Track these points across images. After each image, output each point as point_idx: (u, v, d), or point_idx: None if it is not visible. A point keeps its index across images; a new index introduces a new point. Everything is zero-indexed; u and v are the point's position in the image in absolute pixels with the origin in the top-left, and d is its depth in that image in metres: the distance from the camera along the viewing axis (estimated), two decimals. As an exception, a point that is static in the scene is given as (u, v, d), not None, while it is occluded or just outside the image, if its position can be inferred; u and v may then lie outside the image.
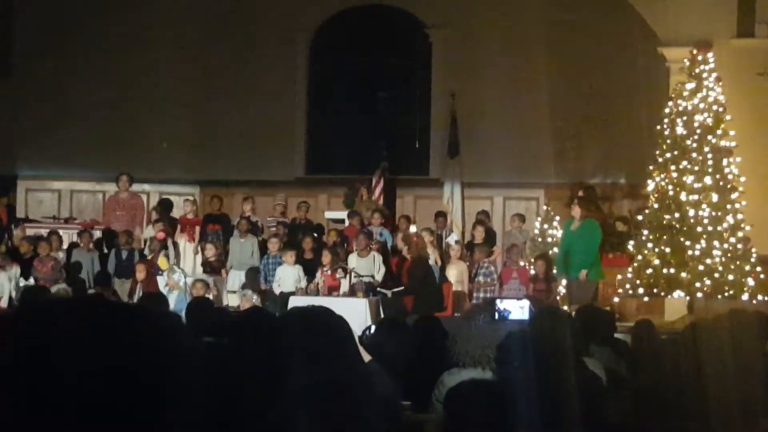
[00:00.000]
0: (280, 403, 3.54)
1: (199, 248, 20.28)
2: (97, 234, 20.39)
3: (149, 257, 19.06)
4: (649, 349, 8.84)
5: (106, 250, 19.76)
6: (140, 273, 18.03)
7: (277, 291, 18.35)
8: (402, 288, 17.98)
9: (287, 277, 18.49)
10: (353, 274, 18.13)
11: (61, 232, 20.16)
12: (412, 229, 20.16)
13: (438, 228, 20.91)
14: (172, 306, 15.41)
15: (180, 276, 17.65)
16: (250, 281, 18.84)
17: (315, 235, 20.41)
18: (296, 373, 3.52)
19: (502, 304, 7.85)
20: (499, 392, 4.63)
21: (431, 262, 18.64)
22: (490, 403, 4.56)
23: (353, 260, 18.56)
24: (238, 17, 24.74)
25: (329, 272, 18.25)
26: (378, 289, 18.07)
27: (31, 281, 17.65)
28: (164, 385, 1.88)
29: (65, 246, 19.80)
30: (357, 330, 9.43)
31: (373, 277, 18.30)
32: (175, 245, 20.03)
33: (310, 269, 18.81)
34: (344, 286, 18.17)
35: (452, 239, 20.09)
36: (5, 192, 22.35)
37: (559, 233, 19.43)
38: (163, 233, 19.60)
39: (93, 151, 24.00)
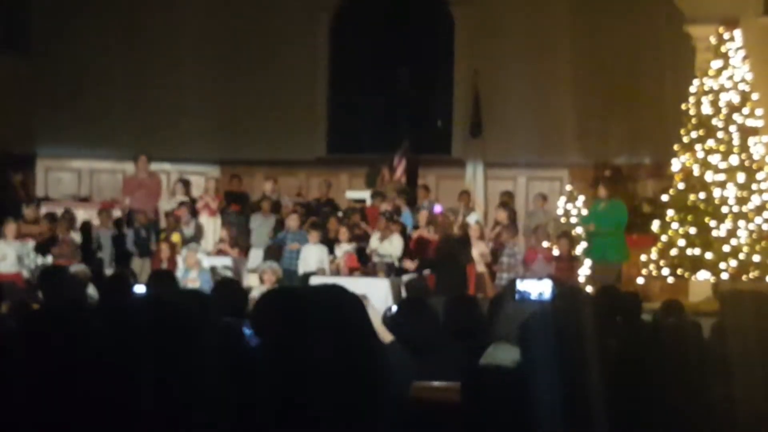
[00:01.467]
0: (298, 383, 3.46)
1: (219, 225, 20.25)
2: (116, 213, 20.37)
3: (162, 234, 19.04)
4: (675, 331, 8.69)
5: (125, 230, 19.73)
6: (164, 252, 18.07)
7: (300, 270, 18.28)
8: (427, 267, 17.89)
9: (311, 256, 18.41)
10: (374, 255, 18.07)
11: (79, 211, 20.14)
12: (437, 207, 20.02)
13: (461, 206, 20.78)
14: (197, 284, 15.41)
15: (201, 255, 17.64)
16: (269, 259, 18.76)
17: (339, 214, 20.34)
18: (311, 351, 3.42)
19: (522, 285, 7.72)
20: (517, 378, 4.51)
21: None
22: (510, 392, 4.45)
23: (374, 241, 18.50)
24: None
25: (348, 250, 18.20)
26: (399, 272, 17.99)
27: (49, 259, 17.63)
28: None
29: (79, 225, 19.76)
30: (380, 309, 9.34)
31: (394, 257, 18.23)
32: (198, 228, 19.96)
33: (334, 250, 18.76)
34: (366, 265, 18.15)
35: (473, 219, 19.95)
36: (18, 169, 22.30)
37: (584, 213, 19.26)
38: (182, 210, 19.56)
39: (113, 131, 23.93)
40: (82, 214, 20.12)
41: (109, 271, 17.83)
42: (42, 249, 18.03)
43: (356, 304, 3.65)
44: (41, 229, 18.72)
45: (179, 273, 16.96)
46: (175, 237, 18.89)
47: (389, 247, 18.36)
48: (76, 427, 3.50)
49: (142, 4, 24.39)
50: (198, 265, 17.26)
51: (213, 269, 17.76)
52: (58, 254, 17.89)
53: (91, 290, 14.33)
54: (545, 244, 18.69)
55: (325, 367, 3.37)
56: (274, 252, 19.16)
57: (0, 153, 22.49)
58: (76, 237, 19.06)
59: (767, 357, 5.82)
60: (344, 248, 18.42)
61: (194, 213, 20.08)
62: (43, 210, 20.43)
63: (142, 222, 19.40)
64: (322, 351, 3.39)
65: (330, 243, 18.90)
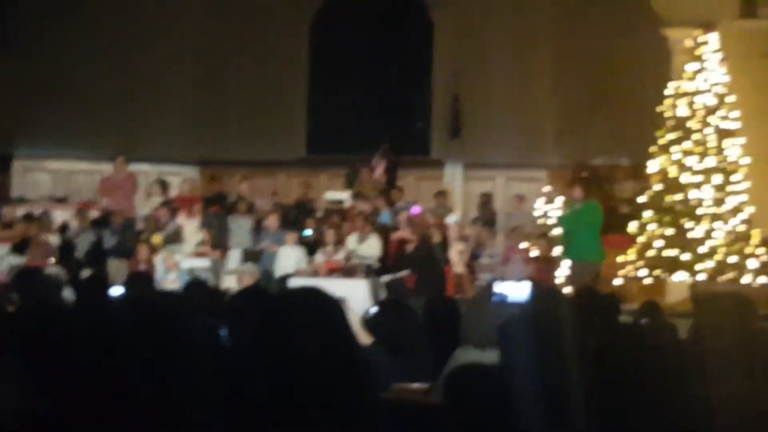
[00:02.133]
0: (274, 382, 3.47)
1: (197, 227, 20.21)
2: (93, 214, 20.29)
3: (143, 236, 18.98)
4: (653, 331, 8.74)
5: (102, 231, 19.66)
6: (142, 254, 18.01)
7: (278, 272, 18.26)
8: (403, 272, 17.89)
9: (288, 258, 18.40)
10: (353, 256, 18.07)
11: (56, 212, 20.06)
12: (415, 208, 20.04)
13: (438, 207, 20.80)
14: (177, 286, 15.35)
15: (180, 257, 17.60)
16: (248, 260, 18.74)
17: (315, 214, 20.34)
18: (290, 353, 3.44)
19: (499, 287, 7.77)
20: (498, 376, 4.54)
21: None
22: (488, 388, 4.47)
23: (352, 242, 18.50)
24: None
25: (331, 252, 18.18)
26: (378, 274, 18.00)
27: (23, 260, 17.54)
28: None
29: (56, 226, 19.68)
30: (359, 311, 9.36)
31: (372, 258, 18.24)
32: (176, 229, 19.90)
33: (312, 251, 18.73)
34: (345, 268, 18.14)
35: (452, 219, 19.98)
36: None
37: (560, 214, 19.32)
38: (162, 212, 19.53)
39: (90, 131, 23.86)
40: (59, 215, 20.03)
41: (85, 273, 17.76)
42: (18, 250, 17.94)
43: (335, 306, 3.67)
44: (17, 231, 18.60)
45: (158, 275, 16.92)
46: (156, 238, 18.84)
47: (367, 248, 18.37)
48: (55, 426, 3.51)
49: (121, 6, 24.31)
50: (177, 267, 17.23)
51: (191, 270, 17.73)
52: (34, 255, 17.80)
53: (68, 292, 14.29)
54: (523, 244, 18.74)
55: (303, 368, 3.39)
56: (253, 254, 19.13)
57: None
58: (55, 238, 18.98)
59: (743, 357, 5.87)
60: (329, 252, 18.40)
61: (173, 213, 20.03)
62: (21, 211, 20.34)
63: (119, 223, 19.33)
64: (299, 352, 3.41)
65: (308, 245, 18.89)
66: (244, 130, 24.47)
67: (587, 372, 4.99)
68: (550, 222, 20.05)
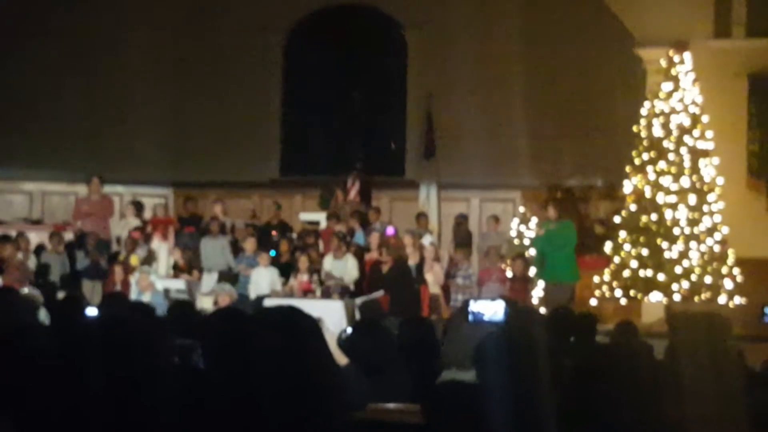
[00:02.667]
0: (249, 403, 3.44)
1: (172, 250, 20.14)
2: (68, 236, 20.18)
3: (121, 256, 18.90)
4: (628, 351, 8.73)
5: (76, 253, 19.55)
6: (117, 275, 17.97)
7: (252, 294, 18.21)
8: (377, 292, 17.85)
9: (262, 279, 18.36)
10: (327, 277, 18.03)
11: (31, 234, 19.93)
12: (389, 229, 20.03)
13: (419, 228, 20.80)
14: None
15: (155, 278, 17.53)
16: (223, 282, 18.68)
17: (291, 237, 20.31)
18: (265, 372, 3.41)
19: (475, 306, 7.72)
20: (478, 393, 4.51)
21: (410, 263, 18.51)
22: (468, 405, 4.44)
23: (328, 262, 18.47)
24: (212, 16, 24.61)
25: (305, 278, 18.15)
26: (353, 295, 17.96)
27: (-1, 282, 17.42)
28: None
29: (32, 248, 19.55)
30: (334, 332, 9.31)
31: (348, 279, 18.19)
32: (150, 251, 19.84)
33: (286, 272, 18.69)
34: (318, 291, 18.09)
35: (427, 241, 19.97)
36: None
37: (534, 234, 19.35)
38: (138, 233, 19.48)
39: (64, 153, 23.78)
40: (34, 237, 19.91)
41: (60, 295, 17.65)
42: None
43: (312, 325, 3.63)
44: None
45: (133, 295, 16.84)
46: (134, 259, 18.79)
47: (343, 268, 18.33)
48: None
49: (93, 28, 24.25)
50: (151, 288, 17.16)
51: (167, 291, 17.65)
52: (9, 278, 17.67)
53: (43, 314, 14.18)
54: (499, 265, 18.74)
55: (278, 389, 3.35)
56: (229, 276, 19.08)
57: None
58: (31, 261, 18.87)
59: (719, 378, 5.86)
60: (302, 278, 18.35)
61: (147, 236, 19.98)
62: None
63: (92, 244, 19.23)
64: (273, 374, 3.37)
65: (282, 267, 18.85)
66: (217, 151, 24.43)
67: (563, 391, 4.97)
68: (525, 242, 20.09)
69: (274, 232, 20.56)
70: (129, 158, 23.68)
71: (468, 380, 5.82)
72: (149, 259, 19.38)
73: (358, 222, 20.35)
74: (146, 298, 16.82)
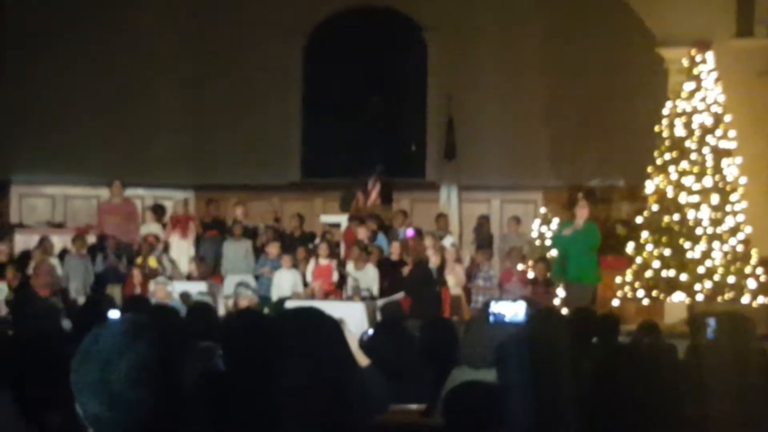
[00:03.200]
0: (271, 405, 3.43)
1: (192, 251, 20.17)
2: (91, 240, 20.23)
3: (138, 260, 18.94)
4: (651, 351, 8.71)
5: (97, 256, 19.62)
6: (137, 278, 18.04)
7: (274, 296, 18.23)
8: (398, 294, 17.82)
9: (284, 281, 18.37)
10: (350, 279, 18.01)
11: (54, 237, 20.00)
12: (409, 231, 20.01)
13: (440, 229, 20.77)
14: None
15: (171, 287, 17.48)
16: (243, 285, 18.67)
17: (310, 246, 20.30)
18: (286, 373, 3.39)
19: (496, 307, 7.70)
20: (497, 394, 4.50)
21: (431, 265, 18.48)
22: (487, 406, 4.43)
23: (350, 269, 18.46)
24: (233, 21, 24.64)
25: (325, 263, 18.15)
26: (375, 298, 17.95)
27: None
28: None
29: (57, 251, 19.61)
30: (356, 333, 9.29)
31: (369, 291, 18.14)
32: (169, 258, 19.85)
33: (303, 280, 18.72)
34: (343, 289, 18.09)
35: (448, 242, 19.95)
36: None
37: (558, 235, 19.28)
38: (154, 238, 19.51)
39: (87, 156, 23.85)
40: (57, 241, 19.98)
41: (81, 299, 17.72)
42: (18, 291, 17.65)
43: (333, 326, 3.62)
44: (9, 275, 18.25)
45: (153, 299, 16.85)
46: (152, 261, 18.83)
47: (364, 278, 18.29)
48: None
49: (115, 32, 24.31)
50: (169, 298, 17.11)
51: (186, 295, 17.62)
52: (39, 283, 17.75)
53: (66, 322, 14.22)
54: (520, 266, 18.70)
55: (300, 390, 3.34)
56: (246, 279, 19.08)
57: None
58: (56, 264, 18.93)
59: (742, 377, 5.83)
60: (322, 263, 18.37)
61: (165, 245, 20.04)
62: (18, 237, 20.32)
63: (112, 248, 19.29)
64: (295, 375, 3.36)
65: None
66: (238, 154, 24.45)
67: (585, 392, 4.95)
68: (546, 243, 20.05)
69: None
70: (150, 161, 23.73)
71: (486, 380, 5.81)
72: (167, 266, 19.39)
73: (376, 225, 20.31)
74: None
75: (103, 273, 19.02)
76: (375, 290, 18.22)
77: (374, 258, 18.81)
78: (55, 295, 17.26)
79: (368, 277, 18.34)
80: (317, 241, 20.20)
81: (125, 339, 2.66)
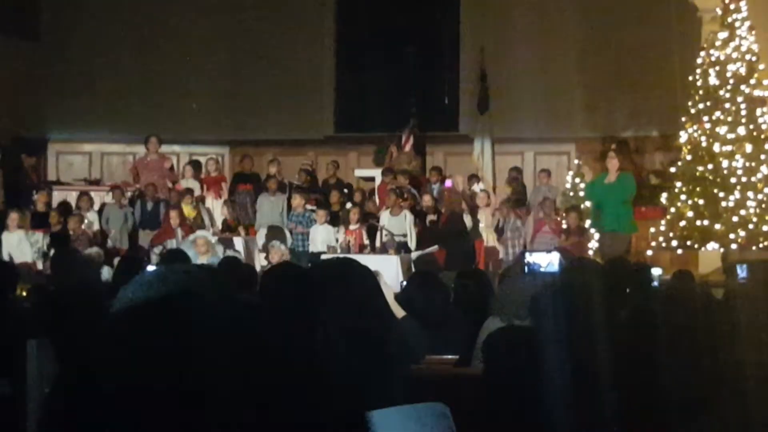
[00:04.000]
0: (309, 354, 3.50)
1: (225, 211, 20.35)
2: (128, 195, 20.45)
3: (173, 203, 19.21)
4: (687, 296, 8.76)
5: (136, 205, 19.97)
6: (173, 219, 18.22)
7: (310, 250, 18.34)
8: (432, 247, 17.91)
9: (318, 236, 18.46)
10: (384, 232, 18.09)
11: (92, 193, 20.22)
12: (448, 182, 20.10)
13: (470, 185, 20.84)
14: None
15: (210, 239, 17.58)
16: (274, 238, 18.78)
17: (345, 190, 20.40)
18: (325, 322, 3.47)
19: (531, 257, 7.78)
20: (535, 339, 4.56)
21: (465, 218, 18.55)
22: (526, 350, 4.49)
23: (385, 218, 18.52)
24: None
25: (355, 228, 18.21)
26: (409, 250, 18.03)
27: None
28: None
29: (97, 207, 19.83)
30: (394, 286, 9.36)
31: (405, 236, 18.25)
32: (205, 207, 20.05)
33: (336, 223, 18.80)
34: (376, 242, 18.17)
35: (478, 188, 20.02)
36: (31, 153, 22.38)
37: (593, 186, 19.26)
38: (180, 186, 19.84)
39: (122, 113, 23.99)
40: (95, 197, 20.21)
41: (123, 246, 18.09)
42: (57, 241, 17.90)
43: (368, 276, 3.70)
44: (53, 221, 18.60)
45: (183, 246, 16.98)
46: (186, 209, 19.02)
47: (401, 224, 18.37)
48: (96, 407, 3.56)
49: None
50: (212, 250, 17.08)
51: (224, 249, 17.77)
52: (78, 245, 17.97)
53: (106, 272, 14.41)
54: (554, 217, 18.72)
55: (339, 339, 3.42)
56: (277, 232, 19.20)
57: (12, 137, 22.59)
58: (94, 219, 19.17)
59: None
60: (352, 227, 18.45)
61: (201, 198, 20.24)
62: (55, 195, 20.54)
63: (151, 196, 19.59)
64: (334, 323, 3.44)
65: (333, 217, 18.97)
66: (272, 109, 24.51)
67: (622, 340, 5.01)
68: (580, 194, 20.03)
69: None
70: (185, 118, 23.83)
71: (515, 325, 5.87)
72: (204, 211, 19.60)
73: (407, 181, 20.38)
74: (204, 260, 16.92)
75: (142, 221, 19.32)
76: (411, 237, 18.30)
77: (408, 204, 18.89)
78: (94, 246, 17.48)
79: (404, 222, 18.40)
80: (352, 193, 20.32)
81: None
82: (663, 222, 18.29)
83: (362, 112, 25.08)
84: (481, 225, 18.49)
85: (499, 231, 18.95)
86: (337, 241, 18.37)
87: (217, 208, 20.48)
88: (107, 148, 25.22)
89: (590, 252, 17.84)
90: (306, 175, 21.05)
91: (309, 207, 19.37)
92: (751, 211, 17.56)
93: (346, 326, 3.52)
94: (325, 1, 25.22)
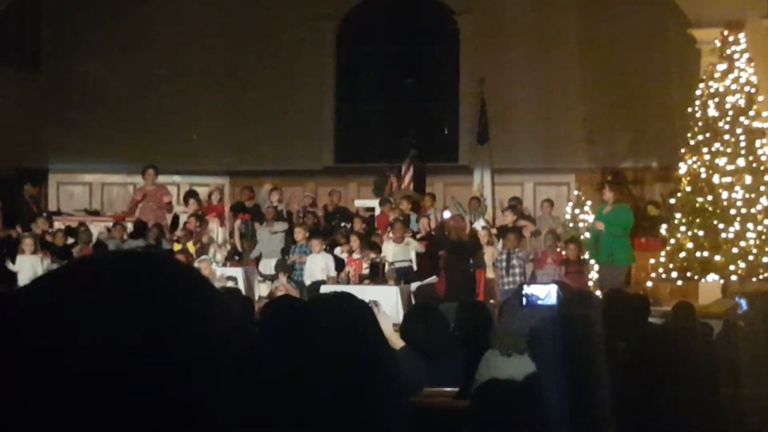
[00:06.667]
0: (303, 388, 3.47)
1: (228, 236, 20.30)
2: (128, 226, 20.40)
3: (178, 245, 19.08)
4: (686, 332, 8.74)
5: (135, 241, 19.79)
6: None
7: (307, 281, 18.27)
8: (432, 278, 17.87)
9: (315, 265, 18.40)
10: (386, 264, 18.04)
11: (91, 225, 20.18)
12: (446, 214, 20.09)
13: (472, 211, 20.82)
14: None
15: (215, 266, 17.58)
16: (279, 270, 18.75)
17: (348, 226, 20.36)
18: (317, 356, 3.45)
19: (529, 290, 7.76)
20: (528, 392, 4.54)
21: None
22: (519, 403, 4.48)
23: (388, 248, 18.44)
24: (265, 6, 24.71)
25: (357, 258, 18.17)
26: (411, 281, 17.98)
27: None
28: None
29: (94, 239, 19.78)
30: (394, 318, 9.34)
31: (410, 261, 18.19)
32: (209, 238, 20.02)
33: (342, 262, 18.72)
34: (377, 274, 18.13)
35: (479, 225, 19.98)
36: (32, 183, 22.37)
37: (591, 218, 19.25)
38: (192, 223, 19.68)
39: (123, 144, 24.03)
40: (94, 229, 20.16)
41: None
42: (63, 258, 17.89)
43: (364, 310, 3.69)
44: (60, 243, 18.64)
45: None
46: (191, 247, 18.99)
47: (405, 251, 18.29)
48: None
49: (149, 21, 24.48)
50: (214, 276, 17.16)
51: (222, 278, 17.73)
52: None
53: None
54: (555, 248, 18.68)
55: (333, 374, 3.40)
56: (284, 264, 19.16)
57: (13, 168, 22.61)
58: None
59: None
60: (354, 257, 18.40)
61: (204, 222, 20.16)
62: (57, 224, 20.54)
63: (153, 233, 19.48)
64: (328, 359, 3.42)
65: (336, 256, 18.92)
66: (272, 140, 24.56)
67: (619, 373, 4.99)
68: (579, 225, 20.03)
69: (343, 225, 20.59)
70: (185, 148, 23.87)
71: (515, 365, 5.84)
72: (207, 245, 19.55)
73: (409, 207, 20.36)
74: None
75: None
76: (414, 263, 18.25)
77: (411, 234, 18.88)
78: None
79: (407, 250, 18.33)
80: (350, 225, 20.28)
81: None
82: (663, 253, 18.27)
83: (362, 143, 25.12)
84: (486, 256, 18.45)
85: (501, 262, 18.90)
86: (335, 259, 18.33)
87: (220, 234, 20.45)
88: (107, 178, 25.26)
89: (590, 283, 17.82)
90: (313, 217, 20.94)
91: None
92: (751, 242, 17.55)
93: (339, 360, 3.50)
94: (325, 32, 25.30)
